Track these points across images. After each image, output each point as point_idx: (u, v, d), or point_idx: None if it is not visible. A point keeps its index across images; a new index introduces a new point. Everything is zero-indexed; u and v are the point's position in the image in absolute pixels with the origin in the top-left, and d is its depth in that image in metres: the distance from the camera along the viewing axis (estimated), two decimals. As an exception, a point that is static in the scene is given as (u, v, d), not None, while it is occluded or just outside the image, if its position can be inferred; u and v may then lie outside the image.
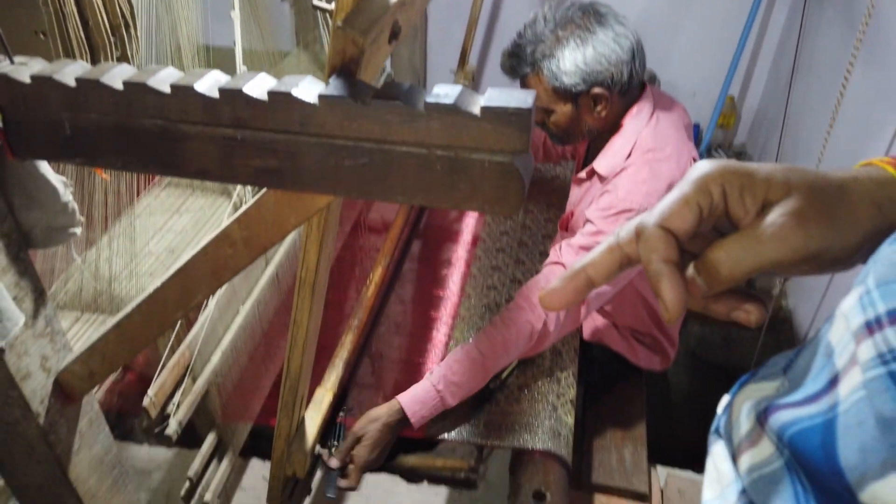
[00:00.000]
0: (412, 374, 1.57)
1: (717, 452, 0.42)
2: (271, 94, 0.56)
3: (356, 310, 1.57)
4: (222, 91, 0.56)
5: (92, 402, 0.93)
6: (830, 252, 0.36)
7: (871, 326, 0.30)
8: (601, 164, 1.44)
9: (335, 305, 1.68)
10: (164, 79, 0.58)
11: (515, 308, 1.34)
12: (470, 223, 1.98)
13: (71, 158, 0.64)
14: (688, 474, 1.69)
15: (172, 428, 1.23)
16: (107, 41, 1.00)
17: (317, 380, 1.35)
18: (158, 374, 1.19)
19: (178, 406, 1.25)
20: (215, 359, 1.35)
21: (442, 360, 1.54)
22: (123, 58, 1.05)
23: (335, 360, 1.40)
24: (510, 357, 1.36)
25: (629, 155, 1.39)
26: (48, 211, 0.77)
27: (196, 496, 1.44)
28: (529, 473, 1.26)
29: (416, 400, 1.30)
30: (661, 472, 1.67)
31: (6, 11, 0.94)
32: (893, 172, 0.38)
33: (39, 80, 0.59)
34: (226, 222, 0.69)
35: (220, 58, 1.96)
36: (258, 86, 0.57)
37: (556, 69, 1.33)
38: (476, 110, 0.53)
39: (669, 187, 1.33)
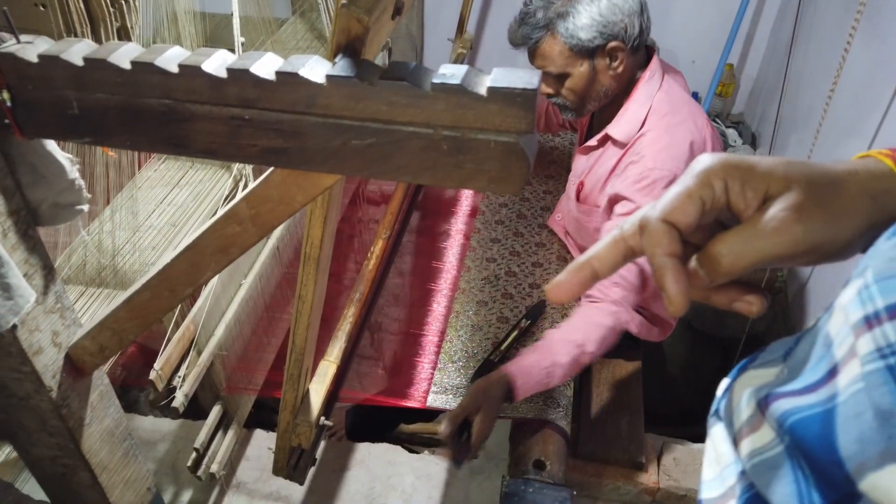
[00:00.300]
0: (411, 345, 1.59)
1: (717, 434, 0.43)
2: (279, 74, 0.56)
3: (357, 283, 1.58)
4: (230, 71, 0.57)
5: (102, 377, 0.95)
6: (828, 245, 0.37)
7: (870, 321, 0.32)
8: (616, 129, 1.44)
9: (334, 277, 1.69)
10: (171, 58, 0.58)
11: (595, 300, 1.37)
12: (468, 195, 1.99)
13: (79, 137, 0.65)
14: (683, 443, 1.72)
15: (179, 400, 1.25)
16: (106, 13, 1.00)
17: (319, 353, 1.37)
18: (164, 348, 1.21)
19: (183, 379, 1.27)
20: (219, 332, 1.37)
21: (441, 332, 1.57)
22: (123, 29, 1.04)
23: (338, 333, 1.42)
24: (604, 344, 1.36)
25: (644, 120, 1.40)
26: (55, 188, 0.78)
27: (202, 466, 1.47)
28: (530, 443, 1.29)
29: (524, 373, 1.29)
30: (657, 441, 1.70)
31: (5, -15, 0.93)
32: (892, 165, 0.39)
33: (47, 60, 0.60)
34: (233, 200, 0.69)
35: (215, 25, 1.94)
36: (266, 66, 0.57)
37: (571, 26, 1.33)
38: (482, 91, 0.54)
39: (691, 148, 1.35)
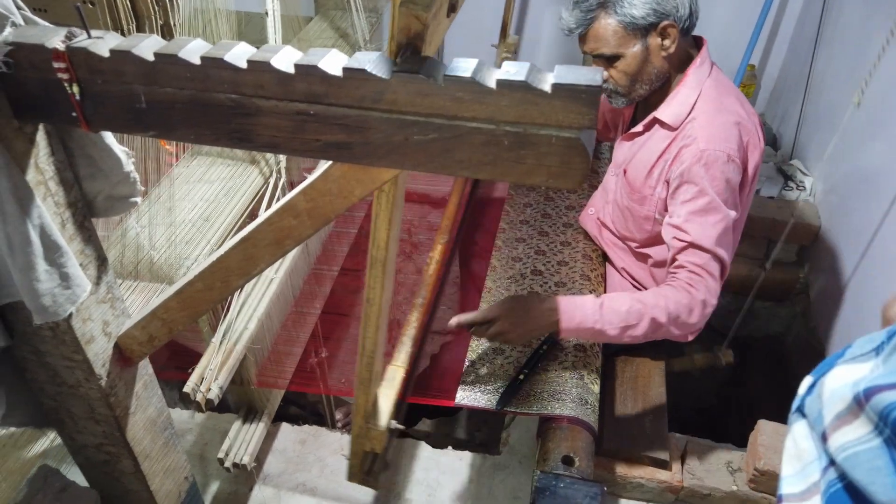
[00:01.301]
0: (439, 343, 1.61)
1: (798, 431, 0.45)
2: (346, 70, 0.58)
3: (420, 287, 1.57)
4: (298, 67, 0.58)
5: (146, 366, 0.97)
6: None
7: None
8: (666, 112, 1.46)
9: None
10: (239, 54, 0.60)
11: (674, 284, 1.38)
12: (501, 189, 1.99)
13: (144, 131, 0.66)
14: (706, 441, 1.73)
15: (214, 393, 1.27)
16: (151, 10, 1.02)
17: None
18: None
19: (218, 372, 1.29)
20: (252, 326, 1.39)
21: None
22: (166, 26, 1.06)
23: (403, 338, 1.41)
24: (671, 321, 1.35)
25: (694, 105, 1.43)
26: (111, 180, 0.79)
27: (232, 457, 1.49)
28: (557, 439, 1.30)
29: (575, 306, 1.32)
30: (681, 440, 1.71)
31: (57, -18, 0.95)
32: None
33: (118, 55, 0.61)
34: (267, 193, 0.71)
35: (247, 23, 1.97)
36: (332, 62, 0.59)
37: (627, 3, 1.35)
38: (546, 87, 0.55)
39: (739, 130, 1.37)
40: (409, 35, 0.63)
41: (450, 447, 1.84)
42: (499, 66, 1.35)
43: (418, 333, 1.40)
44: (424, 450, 1.80)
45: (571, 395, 1.38)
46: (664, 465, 1.62)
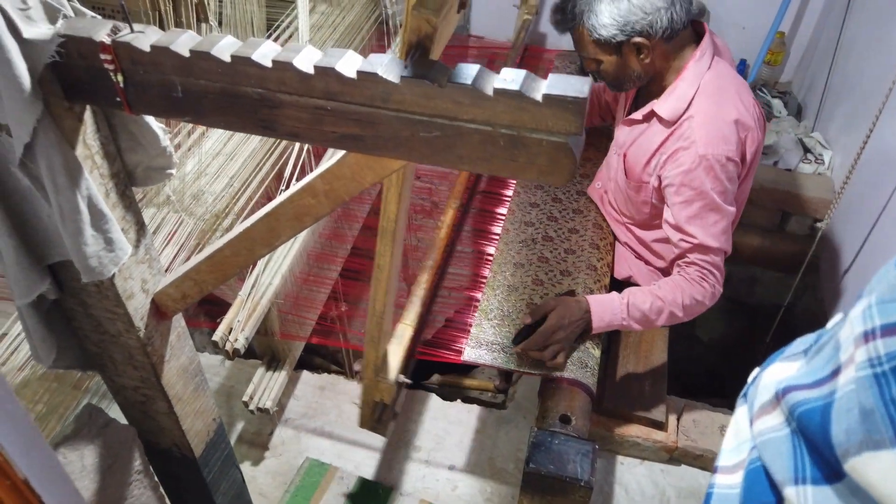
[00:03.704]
0: (449, 302, 1.69)
1: (740, 413, 0.53)
2: (360, 73, 0.64)
3: (430, 250, 1.66)
4: (317, 68, 0.65)
5: (179, 319, 1.07)
6: None
7: (868, 336, 0.40)
8: (663, 107, 1.49)
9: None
10: (265, 53, 0.66)
11: (687, 280, 1.47)
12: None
13: (179, 116, 0.74)
14: (703, 406, 1.81)
15: (240, 343, 1.38)
16: (187, -8, 1.08)
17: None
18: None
19: (245, 324, 1.39)
20: (276, 282, 1.48)
21: (478, 291, 1.66)
22: (199, 5, 1.12)
23: (412, 298, 1.50)
24: (686, 312, 1.46)
25: (692, 100, 1.45)
26: (150, 153, 0.87)
27: (256, 401, 1.61)
28: (557, 399, 1.39)
29: (604, 308, 1.45)
30: (678, 403, 1.79)
31: (99, -37, 1.01)
32: None
33: (157, 50, 0.68)
34: (307, 177, 0.78)
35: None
36: (348, 64, 0.65)
37: (594, 23, 1.39)
38: (538, 96, 0.61)
39: (737, 126, 1.40)
40: (420, 36, 0.69)
41: (459, 400, 1.95)
42: (519, 28, 1.42)
43: (427, 294, 1.49)
44: (434, 401, 1.91)
45: (573, 359, 1.46)
46: (660, 426, 1.71)
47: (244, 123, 0.72)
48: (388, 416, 1.32)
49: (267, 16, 1.64)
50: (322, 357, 2.17)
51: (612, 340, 1.81)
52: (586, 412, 1.39)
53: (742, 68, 2.80)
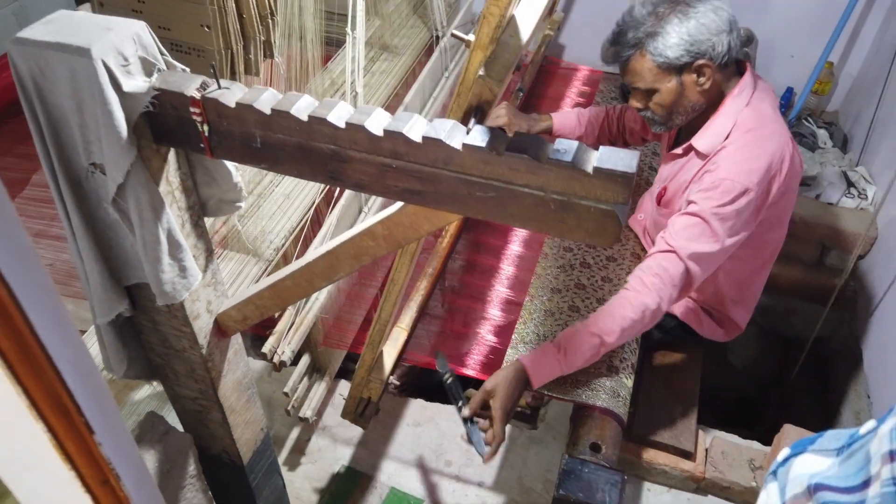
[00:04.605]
0: (485, 323, 1.75)
1: (771, 490, 0.58)
2: (425, 138, 0.70)
3: (431, 258, 1.74)
4: (386, 131, 0.71)
5: (238, 337, 1.14)
6: None
7: (893, 455, 0.45)
8: (701, 141, 1.51)
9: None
10: (340, 116, 0.73)
11: (630, 290, 1.44)
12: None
13: (256, 164, 0.81)
14: (733, 437, 1.83)
15: (287, 355, 1.45)
16: (256, 31, 1.15)
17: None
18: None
19: (292, 337, 1.46)
20: (322, 296, 1.56)
21: (516, 313, 1.71)
22: (266, 43, 1.20)
23: (410, 304, 1.59)
24: (625, 335, 1.43)
25: (729, 134, 1.47)
26: (223, 187, 0.95)
27: (298, 409, 1.68)
28: (588, 426, 1.43)
29: (538, 364, 1.41)
30: (708, 434, 1.81)
31: (178, 7, 1.10)
32: None
33: (242, 106, 0.75)
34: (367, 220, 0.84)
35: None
36: (415, 129, 0.71)
37: (661, 45, 1.40)
38: (589, 168, 0.66)
39: (770, 164, 1.42)
40: (480, 101, 0.75)
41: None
42: (540, 43, 1.49)
43: (424, 300, 1.58)
44: (467, 417, 1.96)
45: (605, 388, 1.50)
46: (689, 455, 1.73)
47: (315, 174, 0.79)
48: (370, 412, 1.43)
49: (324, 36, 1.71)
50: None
51: (644, 368, 1.84)
52: (617, 441, 1.43)
53: (788, 97, 2.79)
